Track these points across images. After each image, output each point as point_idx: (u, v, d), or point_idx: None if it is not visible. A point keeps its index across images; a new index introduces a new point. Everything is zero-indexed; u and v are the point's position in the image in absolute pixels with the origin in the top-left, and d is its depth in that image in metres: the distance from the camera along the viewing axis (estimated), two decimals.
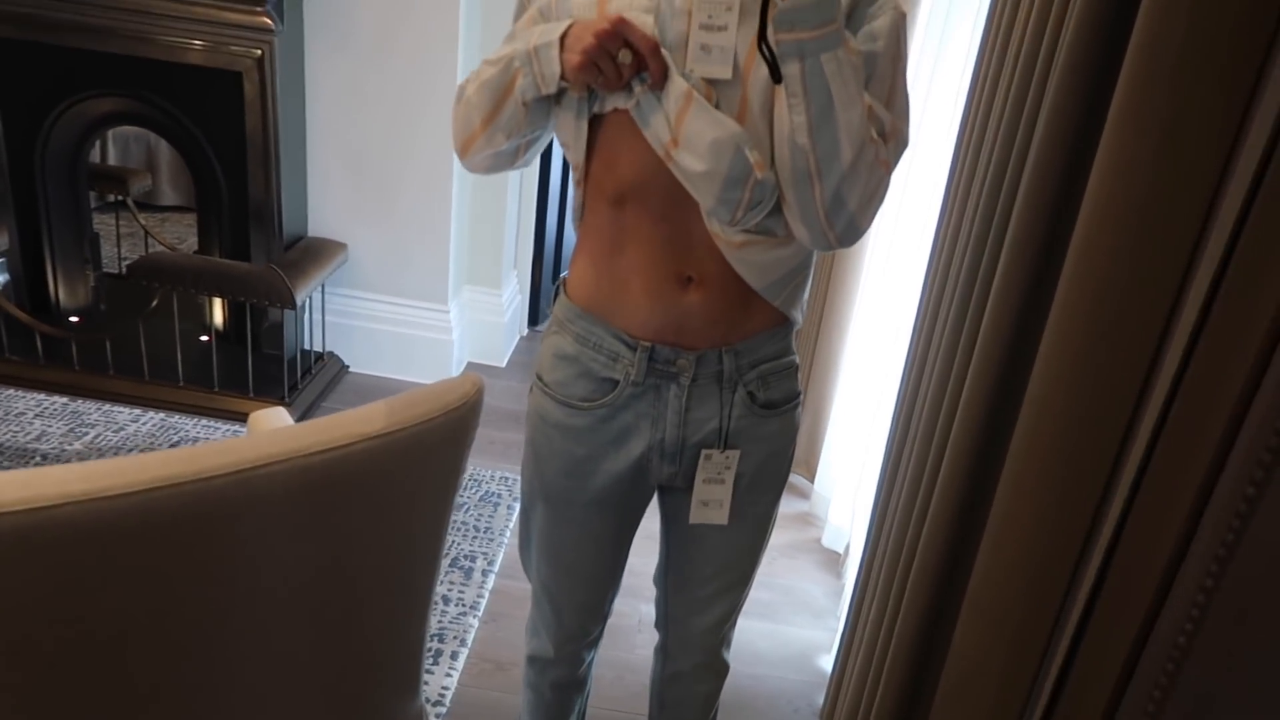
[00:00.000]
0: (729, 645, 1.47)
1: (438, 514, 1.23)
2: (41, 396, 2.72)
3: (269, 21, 2.60)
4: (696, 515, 1.28)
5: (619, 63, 1.06)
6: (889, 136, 1.09)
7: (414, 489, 1.17)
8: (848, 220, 1.09)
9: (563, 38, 1.08)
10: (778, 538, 2.57)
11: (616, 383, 1.23)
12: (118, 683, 1.07)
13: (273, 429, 1.07)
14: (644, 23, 1.08)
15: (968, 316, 1.33)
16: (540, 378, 1.30)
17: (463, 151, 1.23)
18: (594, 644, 1.49)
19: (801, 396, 1.32)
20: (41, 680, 1.01)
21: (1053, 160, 1.08)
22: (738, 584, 1.38)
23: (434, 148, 2.88)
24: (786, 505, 2.72)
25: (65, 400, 2.72)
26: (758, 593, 2.34)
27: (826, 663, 2.14)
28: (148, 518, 0.97)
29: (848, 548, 2.45)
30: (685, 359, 1.20)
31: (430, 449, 1.15)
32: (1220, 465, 0.68)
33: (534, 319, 3.63)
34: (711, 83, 1.08)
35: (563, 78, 1.09)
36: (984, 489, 1.25)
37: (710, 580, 1.36)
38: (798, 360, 1.30)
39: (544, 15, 1.16)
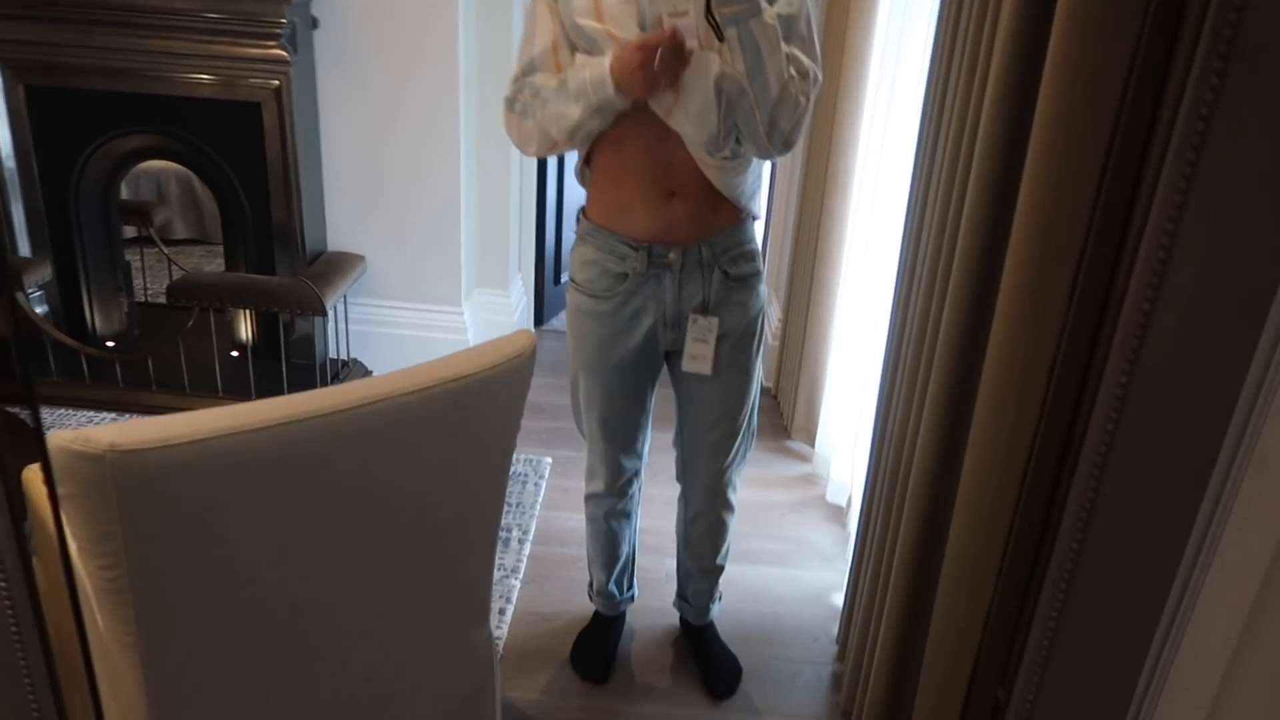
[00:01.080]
0: (734, 489, 1.95)
1: (504, 449, 1.44)
2: (91, 413, 2.91)
3: (284, 53, 2.81)
4: (687, 365, 1.74)
5: (665, 66, 1.48)
6: (805, 76, 1.54)
7: (486, 424, 1.38)
8: (782, 136, 1.56)
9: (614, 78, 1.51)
10: (785, 496, 2.78)
11: (626, 275, 1.69)
12: (249, 602, 1.27)
13: (374, 377, 1.28)
14: (629, 12, 1.52)
15: (938, 275, 1.55)
16: (573, 279, 1.77)
17: (538, 154, 1.72)
18: (634, 479, 1.98)
19: (763, 273, 1.79)
20: (196, 597, 1.21)
21: (994, 158, 1.30)
22: (732, 432, 1.84)
23: (441, 162, 3.10)
24: (791, 468, 2.94)
25: (114, 416, 2.92)
26: (772, 544, 2.56)
27: (839, 599, 2.35)
28: (282, 448, 1.18)
29: (849, 500, 2.67)
30: (675, 252, 1.66)
31: (498, 390, 1.36)
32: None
33: (539, 319, 3.84)
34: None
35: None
36: (967, 394, 1.46)
37: (711, 428, 1.83)
38: (756, 247, 1.76)
39: (553, 12, 1.58)
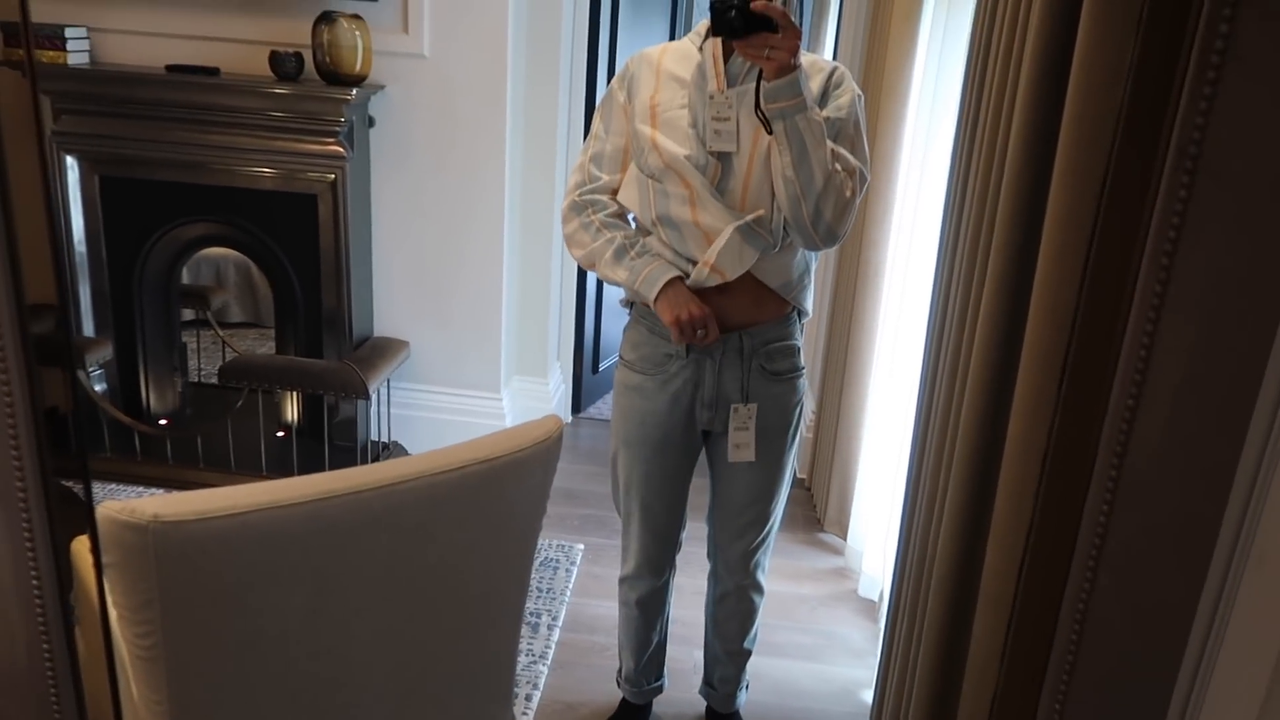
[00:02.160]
0: (763, 571, 1.99)
1: (530, 531, 1.48)
2: (141, 489, 3.01)
3: (341, 149, 2.97)
4: (733, 455, 1.81)
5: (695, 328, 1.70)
6: (851, 173, 1.64)
7: (513, 506, 1.42)
8: (826, 227, 1.63)
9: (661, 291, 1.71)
10: (817, 589, 2.77)
11: (671, 356, 1.78)
12: (277, 675, 1.30)
13: (405, 457, 1.33)
14: (681, 117, 1.66)
15: (957, 373, 1.58)
16: (623, 356, 1.87)
17: (579, 262, 1.84)
18: (667, 567, 2.00)
19: (804, 369, 1.84)
20: (226, 668, 1.25)
21: (1011, 237, 1.35)
22: (763, 516, 1.89)
23: (485, 253, 3.21)
24: (823, 561, 2.92)
25: (161, 492, 3.00)
26: (802, 638, 2.53)
27: (868, 696, 2.32)
28: (315, 523, 1.23)
29: (881, 594, 2.64)
30: (717, 341, 1.73)
31: (526, 472, 1.40)
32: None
33: (577, 406, 3.90)
34: (721, 155, 1.65)
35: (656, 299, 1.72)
36: (987, 491, 1.47)
37: (743, 511, 1.89)
38: (798, 344, 1.82)
39: (626, 115, 1.74)
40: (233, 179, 3.05)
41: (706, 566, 2.04)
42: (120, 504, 1.14)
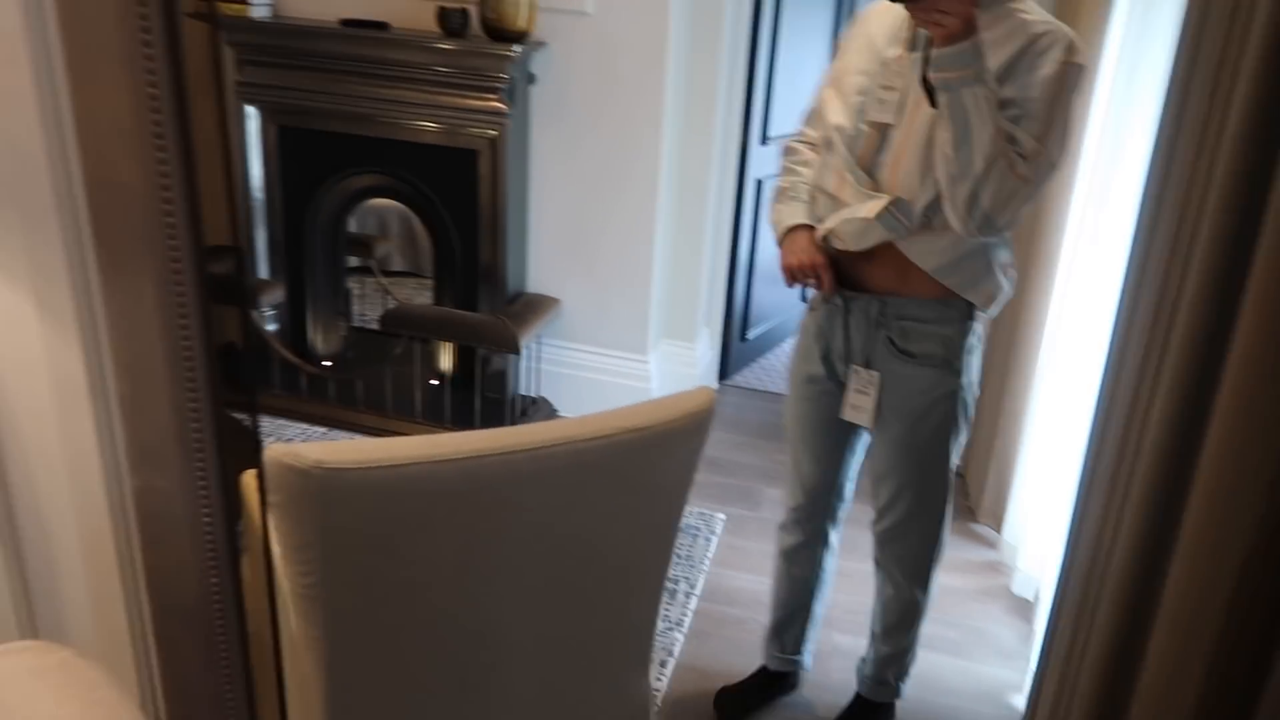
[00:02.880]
0: (909, 575, 1.88)
1: (676, 503, 1.45)
2: (305, 426, 3.16)
3: (503, 106, 2.98)
4: (846, 413, 1.78)
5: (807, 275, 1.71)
6: (1030, 156, 1.46)
7: (660, 477, 1.39)
8: (982, 215, 1.48)
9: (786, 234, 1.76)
10: (966, 582, 2.64)
11: (823, 301, 1.77)
12: (426, 624, 1.32)
13: (556, 421, 1.32)
14: (854, 85, 1.60)
15: (1147, 367, 1.44)
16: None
17: None
18: (815, 528, 1.95)
19: (953, 365, 1.68)
20: (378, 612, 1.28)
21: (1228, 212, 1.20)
22: (896, 499, 1.80)
23: (638, 213, 3.18)
24: (975, 553, 2.79)
25: (324, 430, 3.15)
26: (948, 631, 2.42)
27: (1017, 700, 2.20)
28: (466, 481, 1.23)
29: (1037, 594, 2.50)
30: (840, 297, 1.71)
31: (675, 444, 1.37)
32: None
33: (724, 373, 3.84)
34: (882, 126, 1.57)
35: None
36: (1175, 499, 1.34)
37: (879, 483, 1.82)
38: (949, 334, 1.67)
39: (842, 77, 1.67)
40: (398, 132, 3.12)
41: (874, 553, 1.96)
42: (286, 448, 1.17)
